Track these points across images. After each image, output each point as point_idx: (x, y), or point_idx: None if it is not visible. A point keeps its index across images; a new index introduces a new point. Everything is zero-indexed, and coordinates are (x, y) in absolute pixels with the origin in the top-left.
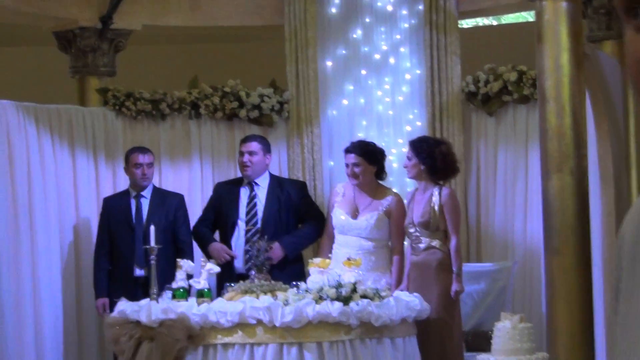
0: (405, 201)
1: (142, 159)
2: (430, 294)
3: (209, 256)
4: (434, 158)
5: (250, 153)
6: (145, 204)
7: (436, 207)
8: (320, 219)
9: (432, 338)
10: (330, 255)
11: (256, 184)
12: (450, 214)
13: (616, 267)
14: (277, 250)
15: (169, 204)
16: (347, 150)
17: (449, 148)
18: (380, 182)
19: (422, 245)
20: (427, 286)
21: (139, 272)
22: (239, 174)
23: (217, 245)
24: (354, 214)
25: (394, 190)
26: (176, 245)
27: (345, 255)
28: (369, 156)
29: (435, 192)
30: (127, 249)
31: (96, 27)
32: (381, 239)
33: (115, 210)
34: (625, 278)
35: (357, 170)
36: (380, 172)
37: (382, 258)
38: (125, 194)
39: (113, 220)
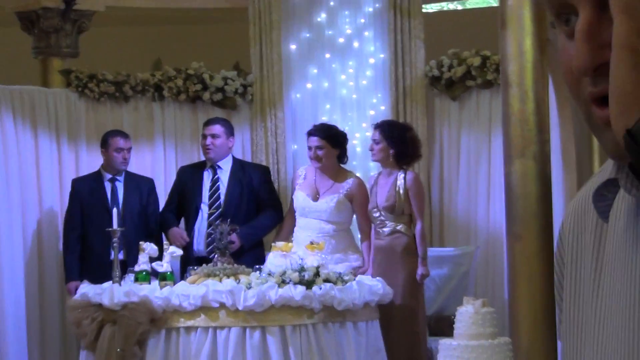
0: (367, 185)
1: (124, 143)
2: (395, 279)
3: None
4: (405, 143)
5: (213, 136)
6: (120, 187)
7: (401, 191)
8: (278, 208)
9: (398, 323)
10: (291, 238)
11: (219, 167)
12: (415, 198)
13: (557, 263)
14: (234, 241)
15: (142, 188)
16: (310, 133)
17: (416, 134)
18: (342, 165)
19: (386, 230)
20: (392, 271)
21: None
22: (203, 157)
23: (174, 230)
24: (315, 197)
25: (356, 174)
26: (147, 228)
27: (307, 238)
28: (332, 139)
29: (400, 176)
30: (103, 232)
31: (59, 8)
32: (342, 222)
33: (87, 193)
34: (569, 275)
35: (319, 153)
36: (342, 155)
37: (342, 241)
38: (97, 177)
39: (86, 203)
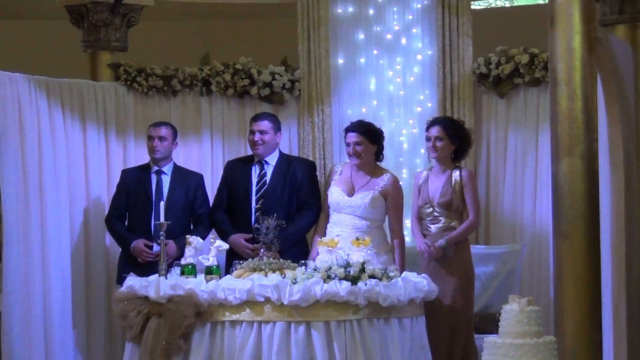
0: (414, 180)
1: (153, 131)
2: (448, 275)
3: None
4: (466, 140)
5: (262, 132)
6: (166, 180)
7: (457, 188)
8: (317, 209)
9: (450, 319)
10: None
11: (266, 162)
12: (471, 194)
13: None
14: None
15: (189, 183)
16: (348, 129)
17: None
18: (378, 163)
19: (439, 225)
20: (444, 266)
21: (157, 247)
22: (250, 152)
23: (237, 242)
24: (350, 192)
25: (403, 170)
26: (194, 220)
27: (337, 234)
28: (371, 135)
29: (455, 173)
30: (144, 224)
31: (109, 2)
32: (375, 219)
33: (133, 183)
34: None
35: (358, 148)
36: (379, 152)
37: (375, 239)
38: (145, 168)
39: (132, 193)
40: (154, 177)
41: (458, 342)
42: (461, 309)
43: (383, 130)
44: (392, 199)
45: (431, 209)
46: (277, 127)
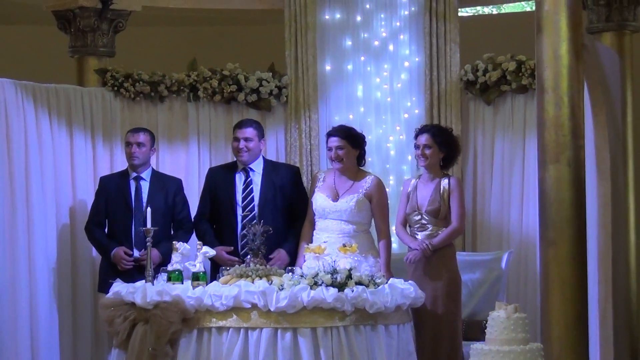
0: (402, 188)
1: (131, 137)
2: (433, 281)
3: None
4: (454, 148)
5: (246, 139)
6: (145, 186)
7: (445, 196)
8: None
9: (434, 326)
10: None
11: (251, 169)
12: (456, 201)
13: None
14: (283, 257)
15: (168, 188)
16: (330, 134)
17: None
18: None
19: (426, 233)
20: (431, 273)
21: (137, 253)
22: (232, 158)
23: (220, 256)
24: (335, 197)
25: (390, 177)
26: (175, 225)
27: (327, 240)
28: (352, 139)
29: (444, 181)
30: (125, 230)
31: (96, 7)
32: (362, 222)
33: (113, 190)
34: None
35: (340, 153)
36: (360, 157)
37: (363, 243)
38: (124, 175)
39: (111, 201)
40: (132, 184)
41: (442, 349)
42: (446, 316)
43: (364, 135)
44: (377, 200)
45: (419, 217)
46: (261, 134)
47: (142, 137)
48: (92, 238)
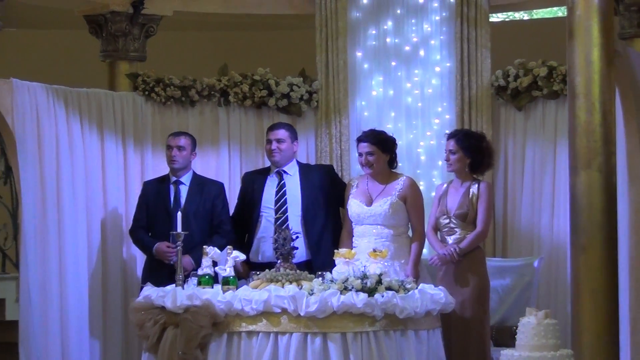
0: (435, 193)
1: (172, 141)
2: (462, 286)
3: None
4: (482, 153)
5: (278, 140)
6: (184, 190)
7: (474, 200)
8: None
9: (464, 331)
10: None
11: (285, 172)
12: (483, 205)
13: None
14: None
15: (207, 192)
16: (360, 139)
17: (490, 142)
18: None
19: (455, 237)
20: (459, 278)
21: (176, 258)
22: (267, 162)
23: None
24: (369, 202)
25: (420, 182)
26: (212, 229)
27: (367, 246)
28: (382, 144)
29: (474, 185)
30: (165, 235)
31: (127, 12)
32: (399, 225)
33: (152, 195)
34: None
35: (370, 158)
36: (392, 160)
37: (402, 248)
38: (164, 179)
39: (151, 205)
40: (172, 188)
41: (470, 355)
42: (474, 321)
43: (395, 138)
44: (411, 200)
45: (448, 220)
46: (294, 136)
47: (182, 141)
48: (136, 239)
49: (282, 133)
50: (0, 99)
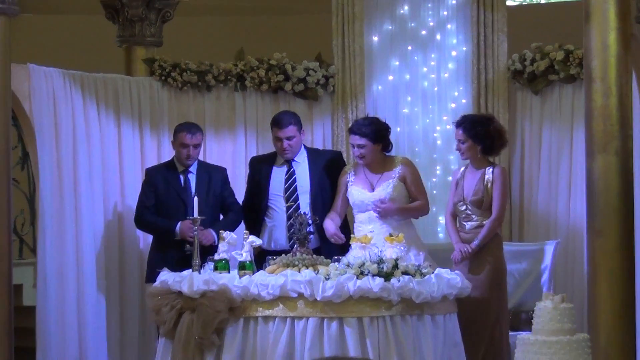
0: (451, 177)
1: (190, 139)
2: (480, 272)
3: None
4: (491, 137)
5: (289, 138)
6: (192, 179)
7: (489, 185)
8: None
9: (483, 315)
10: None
11: (294, 160)
12: (498, 190)
13: None
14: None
15: (215, 178)
16: (351, 131)
17: (499, 123)
18: (387, 154)
19: (472, 223)
20: (476, 264)
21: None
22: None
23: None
24: (371, 188)
25: (404, 158)
26: (224, 211)
27: (371, 230)
28: (373, 135)
29: (489, 170)
30: (178, 221)
31: None
32: None
33: (161, 183)
34: None
35: (362, 151)
36: (385, 147)
37: (407, 232)
38: (171, 167)
39: (160, 194)
40: (181, 177)
41: (487, 338)
42: (490, 304)
43: (387, 124)
44: (410, 178)
45: (464, 207)
46: (301, 126)
47: (199, 138)
48: (146, 223)
49: (291, 130)
50: (17, 84)
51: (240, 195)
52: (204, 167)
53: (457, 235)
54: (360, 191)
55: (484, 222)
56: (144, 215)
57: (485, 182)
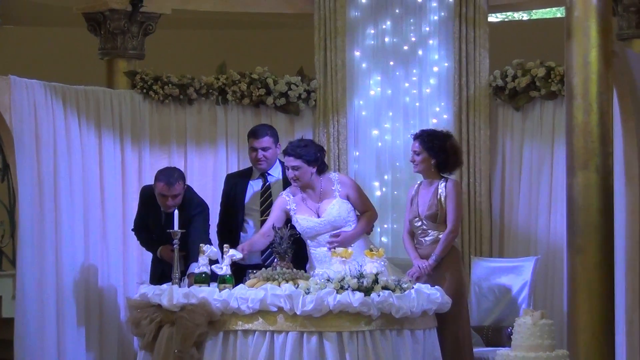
0: (407, 194)
1: (168, 190)
2: (440, 286)
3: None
4: (447, 152)
5: (264, 148)
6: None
7: (442, 199)
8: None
9: (445, 330)
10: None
11: (269, 174)
12: (452, 203)
13: None
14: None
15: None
16: (286, 152)
17: (456, 141)
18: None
19: (429, 239)
20: (436, 279)
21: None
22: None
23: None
24: (315, 214)
25: (340, 174)
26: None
27: (328, 254)
28: (308, 157)
29: (442, 184)
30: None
31: (126, 10)
32: (351, 221)
33: (151, 210)
34: None
35: (296, 173)
36: (320, 169)
37: (362, 247)
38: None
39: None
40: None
41: (446, 353)
42: (450, 319)
43: (322, 146)
44: (352, 192)
45: (420, 223)
46: (277, 139)
47: (178, 189)
48: (140, 238)
49: (266, 141)
50: None
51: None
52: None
53: (415, 252)
54: (307, 219)
55: (440, 236)
56: (138, 230)
57: (438, 197)
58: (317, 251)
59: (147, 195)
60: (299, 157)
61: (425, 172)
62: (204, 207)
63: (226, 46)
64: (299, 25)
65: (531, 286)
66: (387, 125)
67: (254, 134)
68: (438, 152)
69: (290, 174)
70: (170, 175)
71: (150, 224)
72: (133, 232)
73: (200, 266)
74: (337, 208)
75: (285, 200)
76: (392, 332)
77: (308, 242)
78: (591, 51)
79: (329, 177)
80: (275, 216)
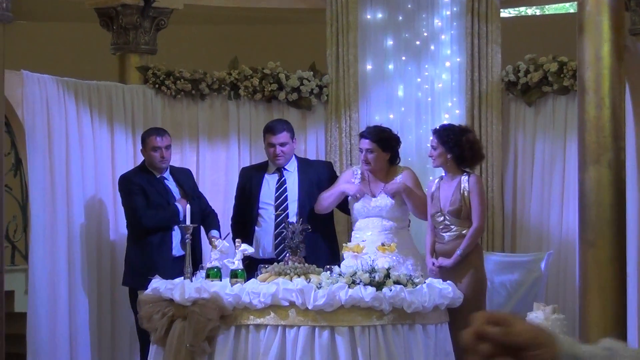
0: (427, 190)
1: (160, 142)
2: (460, 282)
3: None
4: (462, 147)
5: (282, 144)
6: (171, 184)
7: (466, 194)
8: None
9: (462, 325)
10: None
11: (285, 169)
12: (476, 199)
13: None
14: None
15: (184, 181)
16: (362, 135)
17: (474, 136)
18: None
19: (451, 234)
20: (456, 274)
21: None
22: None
23: None
24: (372, 194)
25: (406, 167)
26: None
27: (370, 239)
28: (383, 143)
29: (464, 179)
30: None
31: (138, 5)
32: (401, 218)
33: (147, 184)
34: None
35: (370, 156)
36: (393, 158)
37: (404, 242)
38: (148, 173)
39: (151, 199)
40: (166, 182)
41: (460, 348)
42: (468, 315)
43: (399, 136)
44: (411, 184)
45: (442, 218)
46: (293, 134)
47: (168, 139)
48: (152, 217)
49: (284, 136)
50: (10, 91)
51: (231, 204)
52: (174, 171)
53: (430, 251)
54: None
55: (463, 232)
56: (147, 213)
57: (462, 191)
58: (358, 234)
59: (133, 175)
60: (374, 141)
61: (444, 167)
62: (189, 171)
63: (238, 41)
64: (311, 20)
65: (543, 281)
66: (399, 121)
67: (271, 129)
68: (453, 146)
69: (362, 156)
70: (158, 128)
71: (153, 198)
72: (141, 224)
73: (212, 260)
74: (392, 198)
75: (351, 172)
76: (403, 327)
77: (355, 224)
78: (603, 46)
79: (397, 170)
80: (336, 184)
